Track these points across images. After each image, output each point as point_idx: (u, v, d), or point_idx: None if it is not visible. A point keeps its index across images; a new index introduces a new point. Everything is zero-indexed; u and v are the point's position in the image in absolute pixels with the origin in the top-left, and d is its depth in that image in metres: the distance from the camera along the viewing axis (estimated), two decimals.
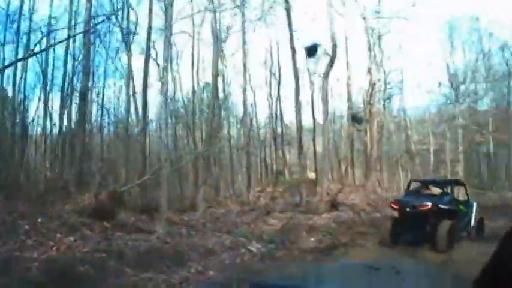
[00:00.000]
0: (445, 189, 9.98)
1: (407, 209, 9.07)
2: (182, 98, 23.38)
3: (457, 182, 11.49)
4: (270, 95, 24.65)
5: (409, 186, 10.78)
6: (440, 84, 24.76)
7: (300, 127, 19.15)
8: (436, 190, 9.93)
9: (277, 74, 24.17)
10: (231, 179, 22.57)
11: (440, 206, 9.00)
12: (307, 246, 9.08)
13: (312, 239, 9.65)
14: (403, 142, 25.87)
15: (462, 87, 23.95)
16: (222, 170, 22.36)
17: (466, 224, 9.96)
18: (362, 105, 22.63)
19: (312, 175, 20.21)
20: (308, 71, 22.79)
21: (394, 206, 9.49)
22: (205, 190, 16.96)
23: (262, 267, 7.52)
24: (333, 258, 8.21)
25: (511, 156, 24.86)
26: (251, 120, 24.11)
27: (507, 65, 24.22)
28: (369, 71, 21.81)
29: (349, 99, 22.74)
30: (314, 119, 22.86)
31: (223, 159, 22.86)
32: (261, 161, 26.12)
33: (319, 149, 20.75)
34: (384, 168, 21.64)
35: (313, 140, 22.68)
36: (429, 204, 8.86)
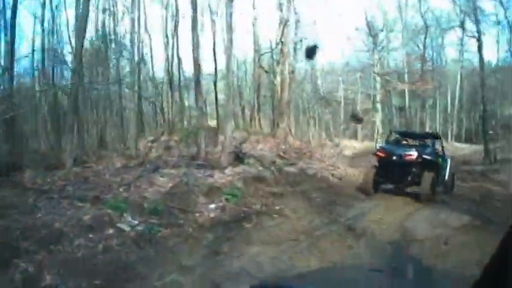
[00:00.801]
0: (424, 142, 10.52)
1: (394, 158, 9.31)
2: None
3: (434, 136, 11.49)
4: (166, 35, 21.46)
5: (388, 136, 11.26)
6: (357, 29, 23.79)
7: (198, 68, 16.27)
8: (414, 142, 10.57)
9: (174, 11, 21.12)
10: (122, 128, 19.10)
11: (424, 156, 9.38)
12: (206, 218, 6.62)
13: (212, 205, 7.19)
14: (313, 91, 24.72)
15: (380, 35, 23.38)
16: (106, 116, 18.65)
17: (442, 177, 10.08)
18: (271, 47, 20.54)
19: (213, 123, 17.72)
20: (209, 8, 20.01)
21: (380, 154, 9.62)
22: (78, 141, 13.39)
23: (136, 260, 4.94)
24: (245, 236, 5.94)
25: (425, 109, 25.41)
26: (143, 61, 20.60)
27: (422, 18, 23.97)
28: (280, 7, 19.49)
29: (255, 42, 20.48)
30: (215, 60, 20.15)
31: (110, 105, 19.15)
32: (157, 107, 22.89)
33: (221, 96, 18.30)
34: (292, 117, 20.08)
35: (215, 84, 20.12)
36: (415, 154, 9.27)
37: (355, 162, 16.83)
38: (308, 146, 17.96)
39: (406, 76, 24.53)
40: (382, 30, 24.51)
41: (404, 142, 10.66)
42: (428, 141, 10.60)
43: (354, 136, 32.81)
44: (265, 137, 17.04)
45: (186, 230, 5.98)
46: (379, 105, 22.51)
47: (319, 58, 24.87)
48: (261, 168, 10.73)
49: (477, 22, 20.77)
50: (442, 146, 10.88)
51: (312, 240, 5.92)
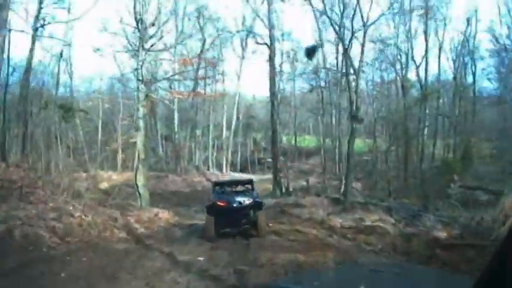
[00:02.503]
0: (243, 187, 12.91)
1: (234, 205, 10.82)
2: None
3: (249, 181, 13.48)
4: None
5: (214, 187, 12.81)
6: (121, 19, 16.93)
7: None
8: (239, 188, 12.93)
9: None
10: None
11: (256, 200, 11.29)
12: None
13: None
14: None
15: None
16: None
17: None
18: None
19: None
20: None
21: (221, 204, 10.83)
22: None
23: None
24: None
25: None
26: None
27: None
28: None
29: None
30: None
31: None
32: None
33: None
34: None
35: None
36: (251, 199, 11.06)
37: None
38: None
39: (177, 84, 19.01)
40: (153, 24, 18.27)
41: (230, 190, 12.63)
42: (249, 186, 12.76)
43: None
44: None
45: None
46: (141, 123, 15.98)
47: None
48: None
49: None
50: (253, 187, 12.64)
51: None
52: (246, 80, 71.31)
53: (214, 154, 35.28)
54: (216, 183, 13.46)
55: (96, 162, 23.89)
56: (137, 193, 15.32)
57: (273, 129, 22.87)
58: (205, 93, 26.37)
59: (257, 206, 10.88)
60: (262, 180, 30.72)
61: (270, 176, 33.55)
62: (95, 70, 44.03)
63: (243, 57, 34.84)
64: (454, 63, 24.58)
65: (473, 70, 24.54)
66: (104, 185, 21.03)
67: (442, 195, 14.41)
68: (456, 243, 8.87)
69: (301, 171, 38.67)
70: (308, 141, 44.94)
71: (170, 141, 32.48)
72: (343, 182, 20.90)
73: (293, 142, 39.88)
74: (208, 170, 33.17)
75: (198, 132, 35.23)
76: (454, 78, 23.96)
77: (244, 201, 10.82)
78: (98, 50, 18.34)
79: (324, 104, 29.02)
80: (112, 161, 26.92)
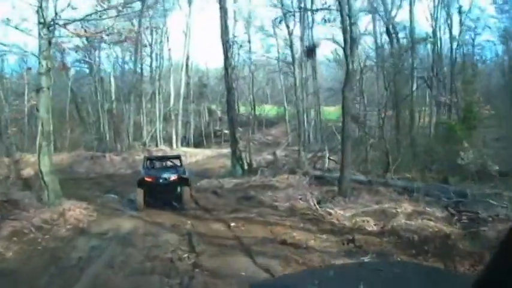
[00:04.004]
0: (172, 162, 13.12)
1: (161, 180, 11.28)
2: None
3: (177, 157, 13.70)
4: None
5: (144, 162, 13.14)
6: None
7: None
8: (167, 163, 13.24)
9: None
10: None
11: (182, 176, 11.62)
12: None
13: None
14: None
15: None
16: None
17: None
18: None
19: None
20: None
21: (148, 179, 11.27)
22: None
23: None
24: None
25: None
26: None
27: None
28: None
29: None
30: None
31: None
32: None
33: None
34: None
35: None
36: (176, 175, 11.47)
37: None
38: None
39: None
40: None
41: (159, 165, 13.29)
42: (177, 161, 13.06)
43: None
44: None
45: None
46: (44, 80, 11.45)
47: None
48: None
49: None
50: (181, 163, 13.08)
51: None
52: (196, 48, 66.46)
53: (163, 128, 30.55)
54: (147, 158, 13.94)
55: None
56: (42, 182, 10.83)
57: (227, 87, 18.45)
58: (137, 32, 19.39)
59: (183, 181, 11.43)
60: (219, 155, 26.83)
61: (228, 150, 29.84)
62: None
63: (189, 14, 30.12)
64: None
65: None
66: (29, 172, 16.44)
67: (452, 168, 11.12)
68: None
69: (262, 143, 35.09)
70: (268, 109, 41.44)
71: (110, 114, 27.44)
72: (322, 154, 17.29)
73: (251, 111, 36.33)
74: (156, 146, 28.56)
75: (144, 103, 30.38)
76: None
77: (169, 177, 11.39)
78: None
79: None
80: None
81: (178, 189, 11.28)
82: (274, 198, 10.89)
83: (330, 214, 8.48)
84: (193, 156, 21.69)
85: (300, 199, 10.94)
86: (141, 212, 10.53)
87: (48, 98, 11.84)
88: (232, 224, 8.08)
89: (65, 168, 19.50)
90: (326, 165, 16.90)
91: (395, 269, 2.11)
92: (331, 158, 16.74)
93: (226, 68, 18.50)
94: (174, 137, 29.53)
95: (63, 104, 27.23)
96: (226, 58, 18.44)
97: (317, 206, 8.81)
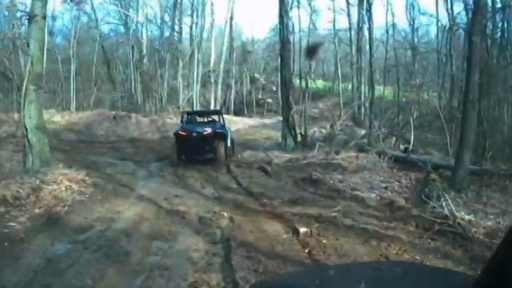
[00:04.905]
0: (211, 118, 13.19)
1: (194, 134, 11.01)
2: None
3: (217, 112, 13.95)
4: None
5: (182, 116, 12.96)
6: None
7: None
8: (206, 118, 13.33)
9: None
10: None
11: (217, 130, 11.29)
12: None
13: None
14: None
15: None
16: None
17: (227, 144, 11.67)
18: None
19: None
20: None
21: (182, 133, 11.15)
22: None
23: None
24: None
25: None
26: None
27: None
28: None
29: None
30: None
31: None
32: None
33: None
34: None
35: None
36: (210, 129, 11.16)
37: None
38: None
39: None
40: None
41: (196, 120, 12.94)
42: (215, 117, 13.04)
43: None
44: None
45: None
46: (39, 5, 8.25)
47: None
48: None
49: None
50: (223, 119, 12.77)
51: None
52: (241, 12, 63.00)
53: (200, 93, 27.38)
54: (186, 112, 13.77)
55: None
56: (25, 142, 7.81)
57: (281, 41, 14.95)
58: None
59: (219, 136, 11.13)
60: (262, 125, 23.59)
61: (271, 120, 26.52)
62: None
63: None
64: None
65: None
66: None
67: None
68: None
69: (308, 117, 31.61)
70: (317, 83, 38.01)
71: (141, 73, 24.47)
72: (397, 132, 13.50)
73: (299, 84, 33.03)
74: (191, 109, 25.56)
75: (181, 65, 27.23)
76: None
77: (203, 132, 11.09)
78: None
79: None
80: None
81: (214, 144, 10.86)
82: (350, 185, 7.36)
83: (469, 222, 4.89)
84: (233, 124, 18.48)
85: (386, 188, 7.45)
86: (157, 190, 7.40)
87: (42, 30, 8.73)
88: (302, 230, 4.62)
89: (81, 129, 16.77)
90: (396, 145, 13.35)
91: (395, 268, 1.85)
92: (406, 137, 13.12)
93: (281, 15, 14.82)
94: (212, 101, 26.35)
95: (90, 62, 24.68)
96: (282, 2, 14.74)
97: (446, 209, 5.14)
